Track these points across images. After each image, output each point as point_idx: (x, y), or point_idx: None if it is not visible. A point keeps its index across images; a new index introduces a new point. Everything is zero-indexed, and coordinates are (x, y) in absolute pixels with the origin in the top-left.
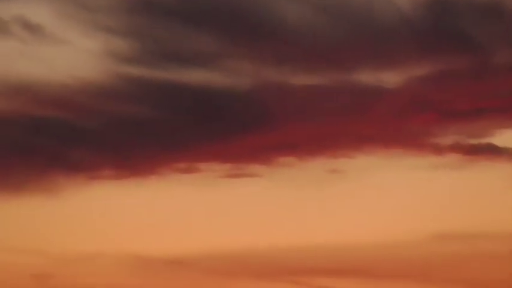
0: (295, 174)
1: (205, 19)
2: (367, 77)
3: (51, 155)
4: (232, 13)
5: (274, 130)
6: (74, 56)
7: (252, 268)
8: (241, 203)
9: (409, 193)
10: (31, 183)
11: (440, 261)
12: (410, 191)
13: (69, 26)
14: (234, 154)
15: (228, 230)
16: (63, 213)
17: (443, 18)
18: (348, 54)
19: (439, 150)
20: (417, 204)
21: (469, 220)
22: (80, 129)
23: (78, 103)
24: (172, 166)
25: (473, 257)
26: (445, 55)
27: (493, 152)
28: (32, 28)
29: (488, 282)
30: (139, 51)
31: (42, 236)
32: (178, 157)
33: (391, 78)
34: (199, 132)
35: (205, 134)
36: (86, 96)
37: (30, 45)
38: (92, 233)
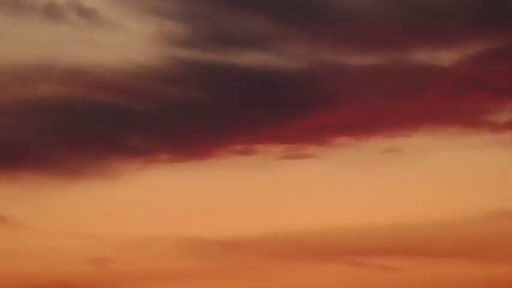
0: (351, 154)
1: (259, 1)
2: (422, 56)
3: (107, 139)
4: None
5: (330, 111)
6: (128, 40)
7: (309, 249)
8: (298, 184)
9: (466, 171)
10: (88, 168)
11: (497, 239)
12: (466, 169)
13: (123, 10)
14: (290, 135)
15: (285, 211)
16: (120, 197)
17: None
18: (404, 33)
19: (495, 127)
20: (474, 182)
21: None
22: (136, 113)
23: (133, 87)
24: (229, 148)
25: None
26: (500, 32)
27: None
28: (86, 13)
29: None
30: (193, 34)
31: (99, 221)
32: (235, 139)
33: (446, 56)
34: (255, 115)
35: (261, 116)
36: (140, 80)
37: (84, 30)
38: (149, 216)
